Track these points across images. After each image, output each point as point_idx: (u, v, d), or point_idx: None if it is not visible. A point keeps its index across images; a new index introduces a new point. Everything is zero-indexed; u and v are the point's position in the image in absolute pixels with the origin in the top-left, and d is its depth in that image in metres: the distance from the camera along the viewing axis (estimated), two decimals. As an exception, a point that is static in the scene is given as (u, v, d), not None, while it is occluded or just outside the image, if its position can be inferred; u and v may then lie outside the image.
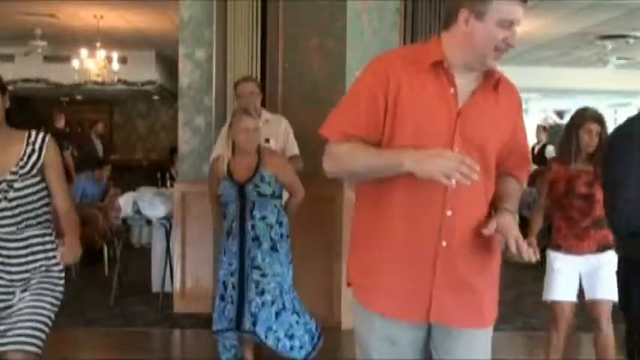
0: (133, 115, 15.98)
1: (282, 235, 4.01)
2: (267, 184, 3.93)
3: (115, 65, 10.91)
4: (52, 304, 2.68)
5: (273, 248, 3.97)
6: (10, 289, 2.65)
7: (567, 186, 3.77)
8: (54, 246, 2.72)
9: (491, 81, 2.06)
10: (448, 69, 2.01)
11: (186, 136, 5.86)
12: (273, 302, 3.93)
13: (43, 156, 2.64)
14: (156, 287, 6.22)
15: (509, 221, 2.00)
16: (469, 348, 2.10)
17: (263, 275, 3.92)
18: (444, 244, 2.00)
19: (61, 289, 2.74)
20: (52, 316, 2.69)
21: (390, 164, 1.95)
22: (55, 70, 12.20)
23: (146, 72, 12.74)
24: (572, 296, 3.84)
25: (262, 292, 3.91)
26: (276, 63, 5.53)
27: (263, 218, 3.94)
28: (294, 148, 4.75)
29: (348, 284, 2.20)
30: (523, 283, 6.67)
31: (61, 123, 10.86)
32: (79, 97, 14.61)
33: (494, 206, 2.09)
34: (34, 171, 2.62)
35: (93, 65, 10.63)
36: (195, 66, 5.78)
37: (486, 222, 2.01)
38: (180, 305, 5.69)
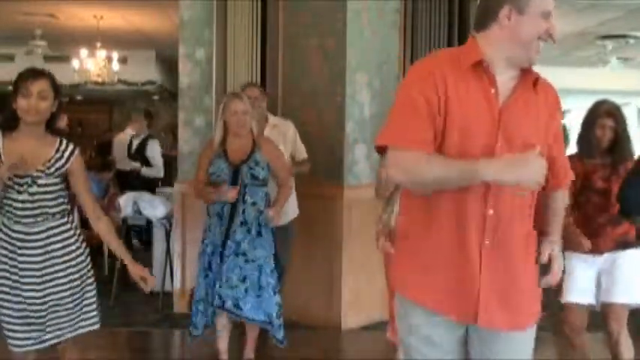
0: (132, 115, 15.95)
1: (267, 223, 4.10)
2: (261, 168, 4.02)
3: (115, 65, 10.90)
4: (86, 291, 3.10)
5: (259, 234, 4.05)
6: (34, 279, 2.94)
7: (583, 181, 3.64)
8: (71, 233, 3.02)
9: (530, 79, 2.08)
10: (488, 68, 2.04)
11: (186, 136, 5.86)
12: (251, 287, 4.01)
13: (68, 165, 2.95)
14: (156, 287, 6.21)
15: (557, 255, 2.16)
16: (509, 350, 2.12)
17: (246, 261, 4.00)
18: (486, 242, 2.04)
19: (86, 269, 3.07)
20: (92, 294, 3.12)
21: (464, 175, 1.96)
22: (55, 70, 12.11)
23: (146, 72, 12.74)
24: (588, 299, 3.69)
25: (244, 279, 3.99)
26: (276, 63, 5.53)
27: (253, 204, 4.01)
28: (303, 152, 4.79)
29: (393, 290, 2.27)
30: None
31: (63, 123, 10.86)
32: (79, 97, 14.61)
33: (541, 229, 2.18)
34: (57, 173, 2.93)
35: (93, 65, 10.62)
36: (195, 66, 5.79)
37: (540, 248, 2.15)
38: (180, 305, 5.69)
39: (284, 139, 4.63)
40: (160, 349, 5.29)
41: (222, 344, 4.26)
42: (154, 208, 6.00)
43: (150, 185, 7.45)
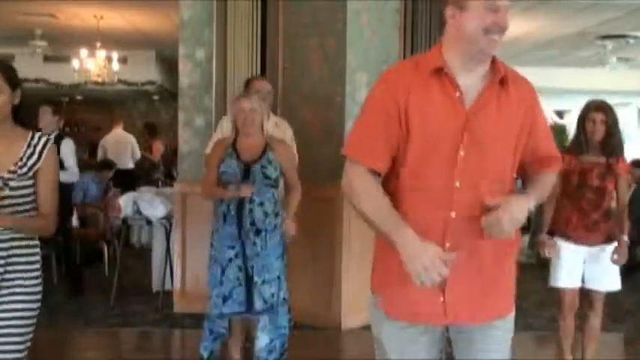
0: (133, 115, 15.97)
1: (275, 227, 3.96)
2: (273, 167, 3.93)
3: (115, 65, 10.91)
4: (25, 318, 2.57)
5: (264, 239, 3.92)
6: None
7: (580, 178, 3.90)
8: (35, 249, 2.62)
9: (497, 77, 2.07)
10: (449, 74, 2.04)
11: (186, 136, 5.86)
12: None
13: (41, 160, 2.56)
14: (156, 287, 6.22)
15: (513, 199, 1.99)
16: (486, 341, 2.15)
17: (262, 265, 3.91)
18: (447, 245, 2.03)
19: (38, 296, 2.60)
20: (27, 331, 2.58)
21: (387, 234, 2.02)
22: (55, 70, 12.21)
23: (146, 72, 12.75)
24: (576, 283, 4.01)
25: (263, 282, 3.91)
26: (276, 63, 5.53)
27: (261, 204, 3.89)
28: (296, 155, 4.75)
29: (373, 292, 2.28)
30: (523, 283, 6.66)
31: (60, 124, 10.89)
32: (79, 98, 14.61)
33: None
34: (31, 173, 2.56)
35: (93, 65, 10.63)
36: (195, 66, 5.79)
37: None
38: (180, 305, 5.69)
39: (282, 137, 4.61)
40: (159, 349, 5.29)
41: (236, 354, 4.20)
42: (154, 208, 6.00)
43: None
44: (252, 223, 3.88)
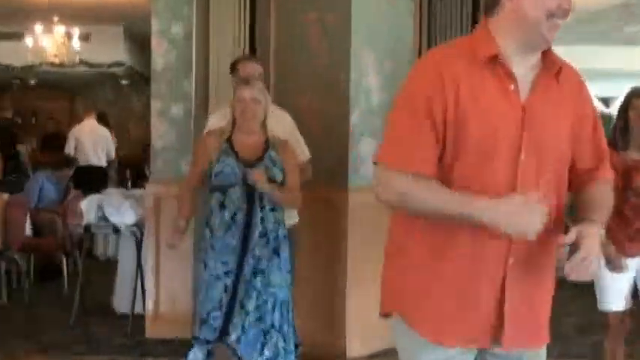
0: (97, 103, 15.98)
1: (285, 237, 4.01)
2: (278, 169, 3.93)
3: (76, 43, 10.91)
4: None
5: (275, 251, 3.95)
6: None
7: (623, 180, 3.86)
8: None
9: (553, 69, 2.13)
10: (504, 63, 2.07)
11: (160, 127, 5.85)
12: (261, 318, 3.90)
13: None
14: (124, 308, 6.22)
15: (592, 234, 2.04)
16: None
17: (264, 284, 3.90)
18: (511, 261, 2.09)
19: None
20: None
21: (458, 215, 2.02)
22: (4, 50, 12.20)
23: (113, 51, 12.73)
24: (626, 304, 4.05)
25: (258, 307, 3.89)
26: (267, 42, 5.53)
27: (273, 210, 3.93)
28: (305, 151, 4.69)
29: (386, 314, 2.32)
30: (561, 302, 6.66)
31: (9, 112, 10.92)
32: (32, 82, 14.60)
33: (580, 217, 2.15)
34: None
35: (49, 43, 10.64)
36: (172, 44, 5.78)
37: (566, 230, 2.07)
38: (153, 330, 5.69)
39: (282, 128, 4.56)
40: (128, 381, 5.29)
41: None
42: (121, 213, 6.00)
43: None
44: (264, 234, 3.89)
